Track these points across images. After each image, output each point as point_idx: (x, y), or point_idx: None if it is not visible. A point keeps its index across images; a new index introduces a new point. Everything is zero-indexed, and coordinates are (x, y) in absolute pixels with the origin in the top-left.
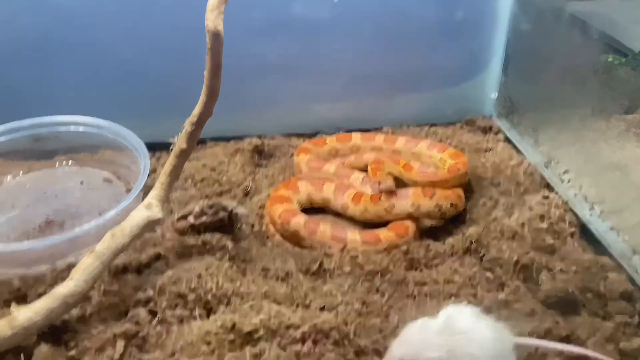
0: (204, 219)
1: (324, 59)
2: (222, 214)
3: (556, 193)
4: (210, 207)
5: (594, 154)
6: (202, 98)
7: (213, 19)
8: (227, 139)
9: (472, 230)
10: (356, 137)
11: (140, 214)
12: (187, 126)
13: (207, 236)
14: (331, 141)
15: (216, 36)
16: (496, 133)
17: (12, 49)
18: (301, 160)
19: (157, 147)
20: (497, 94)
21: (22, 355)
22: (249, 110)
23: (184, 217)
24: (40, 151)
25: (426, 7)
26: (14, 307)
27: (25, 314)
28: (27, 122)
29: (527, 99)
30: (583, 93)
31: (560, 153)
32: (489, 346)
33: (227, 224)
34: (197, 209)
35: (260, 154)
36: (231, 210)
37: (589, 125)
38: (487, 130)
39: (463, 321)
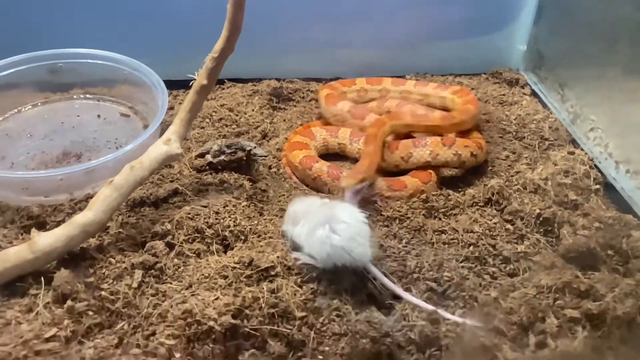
0: (222, 157)
1: (348, 4)
2: (240, 154)
3: (582, 149)
4: (229, 146)
5: (623, 113)
6: (224, 33)
7: None
8: (245, 81)
9: (493, 182)
10: (387, 82)
11: (159, 149)
12: (208, 62)
13: (225, 175)
14: (360, 82)
15: None
16: (522, 86)
17: None
18: (321, 95)
19: (174, 85)
20: (525, 47)
21: (42, 279)
22: (269, 51)
23: (202, 155)
24: (57, 83)
25: None
26: (34, 232)
27: (45, 240)
28: (44, 53)
29: (557, 54)
30: (615, 51)
31: (588, 111)
32: (357, 222)
33: (244, 164)
34: (215, 147)
35: (279, 97)
36: (249, 150)
37: (619, 85)
38: (513, 83)
39: (341, 205)
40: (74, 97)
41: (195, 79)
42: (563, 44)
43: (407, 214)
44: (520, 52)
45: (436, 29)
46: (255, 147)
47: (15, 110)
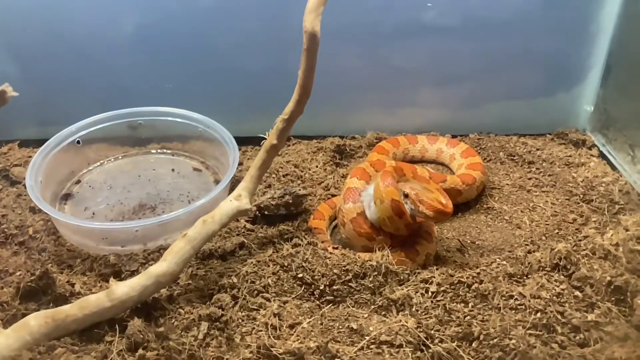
0: (271, 202)
1: (413, 62)
2: (287, 197)
3: None
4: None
5: None
6: (294, 96)
7: (311, 20)
8: (310, 138)
9: (560, 246)
10: (422, 140)
11: (231, 204)
12: (279, 123)
13: (282, 226)
14: (403, 141)
15: (313, 37)
16: (590, 148)
17: (119, 45)
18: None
19: (244, 142)
20: (593, 107)
21: (117, 326)
22: (333, 110)
23: (259, 207)
24: (136, 138)
25: (525, 12)
26: (112, 281)
27: (122, 289)
28: (126, 111)
29: (626, 114)
30: None
31: None
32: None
33: (294, 210)
34: (267, 196)
35: (341, 154)
36: (294, 193)
37: None
38: (579, 144)
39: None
40: (151, 151)
41: (266, 139)
42: (632, 104)
43: (477, 278)
44: (587, 113)
45: (501, 88)
46: (300, 190)
47: (99, 163)
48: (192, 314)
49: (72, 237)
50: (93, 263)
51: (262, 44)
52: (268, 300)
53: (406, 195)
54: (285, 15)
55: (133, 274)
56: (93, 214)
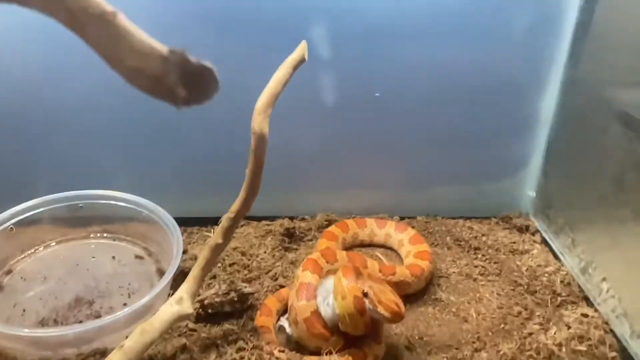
0: (215, 300)
1: (360, 148)
2: (232, 294)
3: (595, 310)
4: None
5: (634, 261)
6: (241, 195)
7: (259, 122)
8: (259, 219)
9: (505, 348)
10: (371, 223)
11: (171, 309)
12: (224, 221)
13: (226, 325)
14: (352, 226)
15: (261, 138)
16: (533, 233)
17: (61, 123)
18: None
19: (189, 223)
20: (535, 192)
21: None
22: (283, 190)
23: (202, 304)
24: (74, 220)
25: (470, 105)
26: None
27: None
28: (65, 195)
29: (566, 198)
30: (623, 192)
31: (599, 258)
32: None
33: (239, 307)
34: (212, 292)
35: (291, 237)
36: (240, 290)
37: (629, 229)
38: (523, 229)
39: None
40: (91, 235)
41: (211, 237)
42: (571, 187)
43: None
44: (529, 198)
45: (447, 171)
46: (245, 287)
47: (33, 249)
48: None
49: None
50: None
51: (210, 122)
52: None
53: (365, 295)
54: (231, 93)
55: None
56: (24, 310)
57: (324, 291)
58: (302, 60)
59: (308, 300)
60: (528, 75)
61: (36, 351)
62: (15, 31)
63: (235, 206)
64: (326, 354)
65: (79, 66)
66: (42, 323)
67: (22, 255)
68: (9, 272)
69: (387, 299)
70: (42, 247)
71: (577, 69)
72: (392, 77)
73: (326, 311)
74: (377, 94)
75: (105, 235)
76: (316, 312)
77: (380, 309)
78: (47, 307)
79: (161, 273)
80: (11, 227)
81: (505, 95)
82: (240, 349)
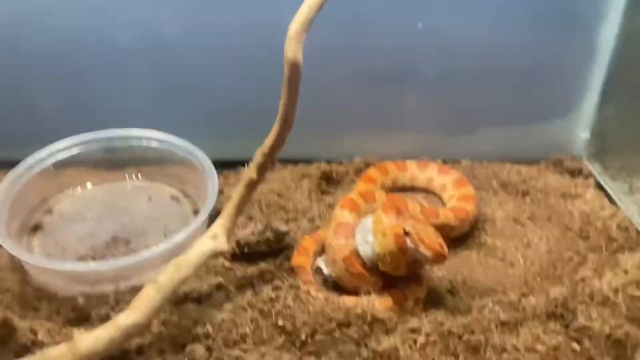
0: (251, 239)
1: (399, 87)
2: (268, 234)
3: None
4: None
5: None
6: (275, 128)
7: (292, 49)
8: (295, 161)
9: (556, 292)
10: (412, 166)
11: (206, 245)
12: (258, 157)
13: (262, 265)
14: (392, 169)
15: (295, 66)
16: (586, 177)
17: (88, 60)
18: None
19: (226, 166)
20: (589, 134)
21: None
22: (321, 132)
23: (239, 244)
24: (110, 162)
25: (518, 38)
26: (76, 333)
27: (87, 343)
28: (99, 135)
29: (624, 141)
30: None
31: None
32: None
33: (276, 247)
34: (248, 232)
35: (328, 181)
36: (276, 229)
37: None
38: (575, 173)
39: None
40: (126, 176)
41: (245, 173)
42: (629, 130)
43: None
44: (583, 140)
45: (494, 113)
46: (281, 225)
47: (72, 190)
48: None
49: (38, 277)
50: (60, 306)
51: (245, 62)
52: (245, 351)
53: (407, 233)
54: (270, 35)
55: (102, 318)
56: (63, 248)
57: (363, 229)
58: None
59: (347, 239)
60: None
61: (76, 286)
62: None
63: (269, 140)
64: (365, 294)
65: (115, 9)
66: (81, 260)
67: (62, 195)
68: (49, 211)
69: (430, 239)
70: (80, 188)
71: None
72: (435, 7)
73: (365, 250)
74: (420, 25)
75: (141, 176)
76: (355, 251)
77: (423, 248)
78: (85, 245)
79: (198, 214)
80: (50, 166)
81: (557, 24)
82: (276, 288)
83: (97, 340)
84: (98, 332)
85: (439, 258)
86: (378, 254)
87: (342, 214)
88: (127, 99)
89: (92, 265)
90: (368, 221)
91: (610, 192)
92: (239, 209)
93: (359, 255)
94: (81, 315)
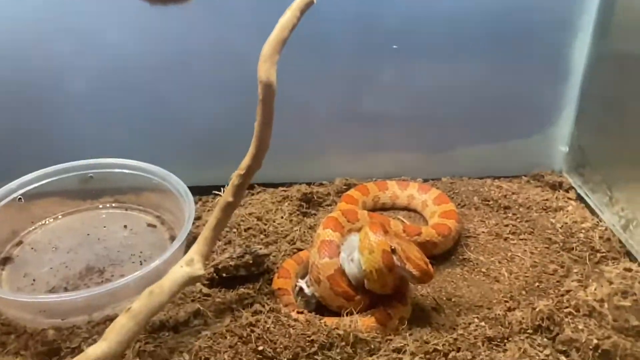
0: (230, 263)
1: (379, 107)
2: (247, 257)
3: (639, 264)
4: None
5: None
6: (251, 150)
7: (266, 70)
8: (275, 185)
9: (542, 305)
10: (392, 185)
11: (181, 271)
12: (235, 179)
13: (242, 290)
14: (372, 189)
15: (268, 87)
16: (567, 190)
17: (67, 93)
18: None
19: (204, 192)
20: (568, 148)
21: None
22: (300, 155)
23: (217, 268)
24: (86, 192)
25: (495, 54)
26: None
27: None
28: (75, 164)
29: (602, 153)
30: None
31: None
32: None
33: (255, 272)
34: (226, 255)
35: (309, 203)
36: (255, 252)
37: None
38: (556, 186)
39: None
40: (102, 205)
41: (221, 195)
42: (607, 142)
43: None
44: (562, 154)
45: (473, 131)
46: (260, 249)
47: (44, 222)
48: None
49: (6, 311)
50: (28, 340)
51: (218, 87)
52: None
53: (394, 251)
54: (242, 59)
55: (74, 351)
56: (34, 280)
57: (348, 247)
58: (309, 3)
59: (331, 257)
60: (557, 19)
61: (46, 319)
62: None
63: (245, 162)
64: (347, 314)
65: (90, 35)
66: (53, 292)
67: (33, 227)
68: (19, 243)
69: (417, 257)
70: (53, 219)
71: (612, 9)
72: (410, 29)
73: (350, 268)
74: (395, 46)
75: (116, 205)
76: (340, 270)
77: (409, 267)
78: (58, 276)
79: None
80: (20, 198)
81: (532, 42)
82: (256, 312)
83: None
84: None
85: (426, 277)
86: (364, 271)
87: (326, 233)
88: (100, 129)
89: (60, 296)
90: (354, 239)
91: (591, 204)
92: (216, 233)
93: (344, 273)
94: (51, 349)
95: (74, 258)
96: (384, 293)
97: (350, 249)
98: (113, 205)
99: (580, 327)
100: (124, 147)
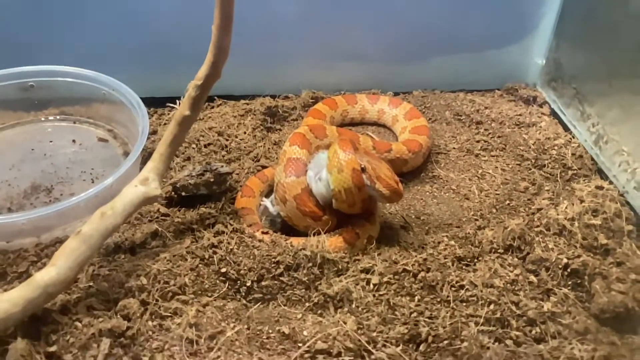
0: (189, 181)
1: (351, 13)
2: (207, 175)
3: (610, 182)
4: (200, 173)
5: None
6: (208, 57)
7: None
8: (237, 98)
9: (513, 224)
10: (362, 99)
11: (135, 191)
12: (191, 90)
13: (203, 209)
14: (340, 102)
15: None
16: (540, 105)
17: None
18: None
19: (158, 103)
20: (544, 60)
21: None
22: (264, 65)
23: (175, 186)
24: (29, 103)
25: None
26: None
27: (0, 305)
28: (16, 70)
29: (578, 67)
30: None
31: (612, 130)
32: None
33: (217, 190)
34: (185, 173)
35: (274, 117)
36: (216, 170)
37: None
38: (530, 101)
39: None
40: (49, 118)
41: (177, 108)
42: (585, 55)
43: (424, 265)
44: (537, 67)
45: (446, 41)
46: (222, 166)
47: None
48: (91, 327)
49: None
50: None
51: None
52: (185, 303)
53: (363, 169)
54: None
55: (21, 276)
56: None
57: (315, 166)
58: None
59: (298, 176)
60: None
61: None
62: None
63: (202, 71)
64: (314, 235)
65: None
66: None
67: None
68: None
69: (387, 176)
70: None
71: None
72: None
73: (318, 187)
74: None
75: (62, 117)
76: (307, 189)
77: (379, 186)
78: (0, 195)
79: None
80: None
81: None
82: (218, 233)
83: (11, 302)
84: (13, 293)
85: (395, 196)
86: (333, 191)
87: (292, 150)
88: (42, 33)
89: (5, 217)
90: (322, 156)
91: (564, 119)
92: (173, 149)
93: (311, 192)
94: None
95: (18, 175)
96: (353, 213)
97: (318, 167)
98: (59, 117)
99: (550, 246)
100: (70, 54)
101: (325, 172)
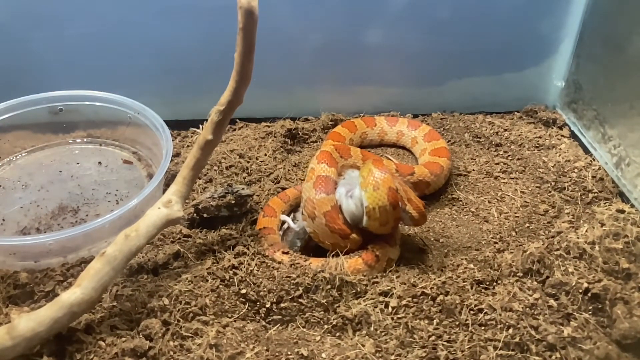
0: (211, 204)
1: (370, 38)
2: (229, 197)
3: (632, 205)
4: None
5: None
6: (231, 83)
7: None
8: (258, 120)
9: (532, 248)
10: (380, 121)
11: (159, 213)
12: (214, 115)
13: (224, 230)
14: (360, 125)
15: (250, 14)
16: (560, 127)
17: (36, 19)
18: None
19: (182, 126)
20: (563, 83)
21: None
22: (284, 88)
23: (197, 208)
24: (57, 126)
25: None
26: (14, 314)
27: (27, 324)
28: (46, 95)
29: (599, 89)
30: None
31: (633, 152)
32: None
33: (237, 211)
34: (207, 195)
35: (293, 139)
36: (237, 192)
37: None
38: (550, 123)
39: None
40: (76, 140)
41: (200, 132)
42: (605, 78)
43: (443, 288)
44: (557, 89)
45: (465, 63)
46: (243, 188)
47: (13, 157)
48: (114, 346)
49: None
50: (0, 283)
51: (196, 16)
52: (206, 324)
53: (396, 190)
54: None
55: (48, 295)
56: (3, 220)
57: (347, 183)
58: None
59: (328, 193)
60: None
61: (18, 261)
62: None
63: (225, 97)
64: (333, 256)
65: None
66: (24, 232)
67: (0, 163)
68: None
69: (416, 199)
70: (23, 154)
71: None
72: None
73: (348, 205)
74: None
75: (89, 139)
76: (336, 207)
77: (409, 208)
78: (29, 216)
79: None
80: None
81: None
82: (239, 254)
83: (38, 321)
84: (40, 312)
85: (422, 219)
86: (367, 208)
87: (321, 168)
88: (71, 60)
89: (31, 239)
90: (354, 175)
91: (584, 141)
92: (195, 173)
93: (341, 210)
94: (24, 292)
95: (46, 196)
96: (384, 232)
97: (350, 184)
98: (86, 140)
99: (570, 270)
100: (97, 79)
101: (359, 189)
